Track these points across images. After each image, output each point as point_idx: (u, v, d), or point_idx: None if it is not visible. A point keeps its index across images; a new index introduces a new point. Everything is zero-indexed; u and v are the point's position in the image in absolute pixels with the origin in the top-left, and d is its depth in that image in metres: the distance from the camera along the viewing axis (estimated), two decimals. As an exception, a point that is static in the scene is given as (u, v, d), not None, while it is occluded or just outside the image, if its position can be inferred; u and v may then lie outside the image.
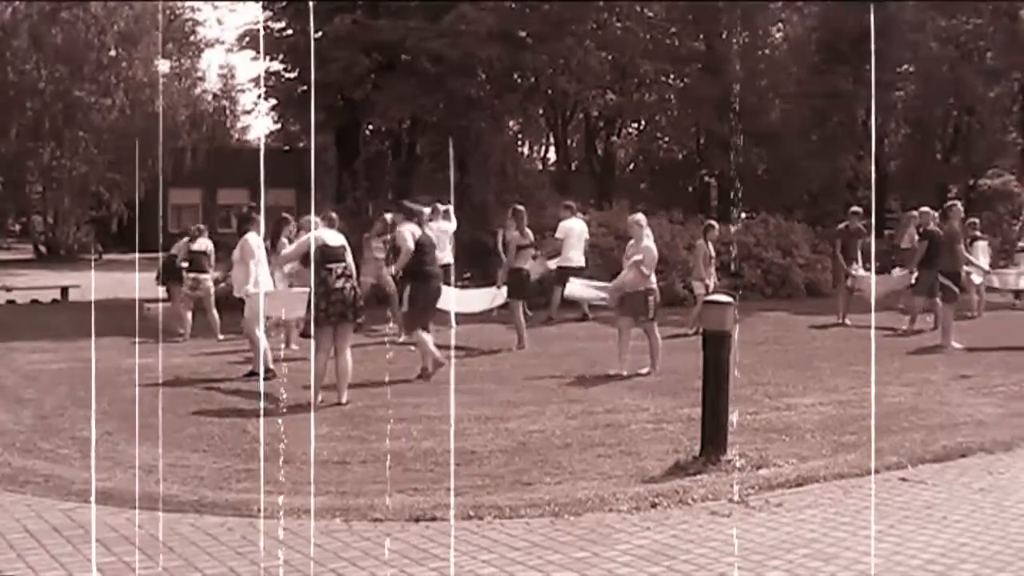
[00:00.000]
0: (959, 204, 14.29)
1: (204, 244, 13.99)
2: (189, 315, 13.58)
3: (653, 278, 10.63)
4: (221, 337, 13.36)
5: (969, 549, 4.92)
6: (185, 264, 13.91)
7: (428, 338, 10.29)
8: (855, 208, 16.70)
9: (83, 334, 12.21)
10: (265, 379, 9.97)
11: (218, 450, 7.21)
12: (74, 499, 5.88)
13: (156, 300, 14.87)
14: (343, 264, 9.13)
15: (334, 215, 12.24)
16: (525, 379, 10.17)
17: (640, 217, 11.07)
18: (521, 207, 13.25)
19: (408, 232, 10.49)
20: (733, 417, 6.98)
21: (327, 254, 9.02)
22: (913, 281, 14.44)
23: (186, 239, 14.24)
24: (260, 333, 10.28)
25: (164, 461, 6.88)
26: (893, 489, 6.03)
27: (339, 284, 8.98)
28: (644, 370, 10.48)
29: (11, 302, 19.36)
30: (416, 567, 4.75)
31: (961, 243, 13.47)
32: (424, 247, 10.52)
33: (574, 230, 15.06)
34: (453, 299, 14.03)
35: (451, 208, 14.53)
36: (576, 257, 14.86)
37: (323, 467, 6.71)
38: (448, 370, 10.90)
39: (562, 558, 4.85)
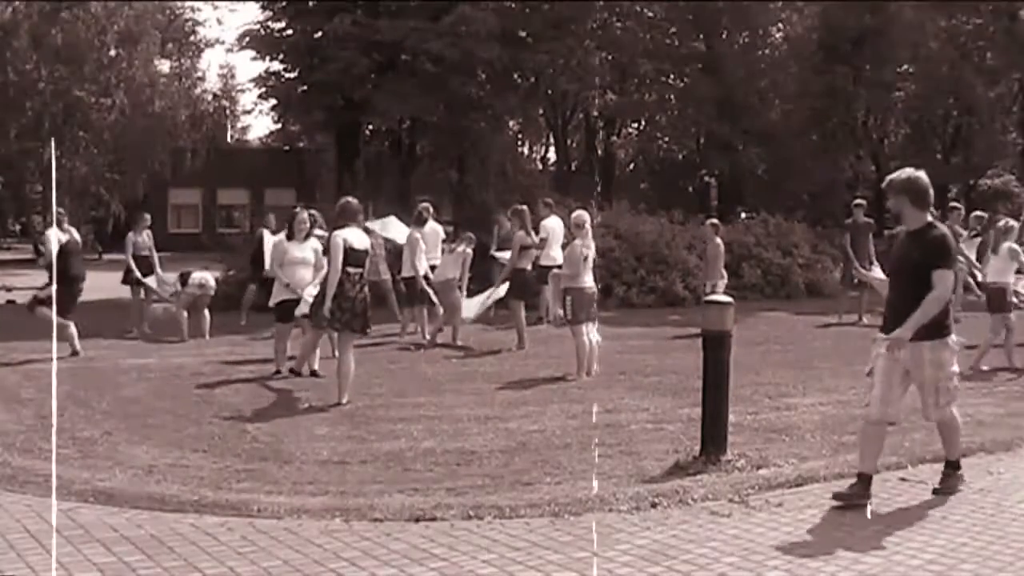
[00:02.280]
0: (961, 208, 14.29)
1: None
2: (185, 315, 13.62)
3: (585, 278, 10.34)
4: (209, 337, 13.41)
5: (969, 549, 4.91)
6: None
7: (74, 330, 11.76)
8: (858, 200, 16.63)
9: (83, 334, 12.21)
10: (283, 377, 10.23)
11: (218, 450, 7.21)
12: (74, 499, 5.88)
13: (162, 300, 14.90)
14: (361, 270, 9.01)
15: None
16: (525, 379, 10.17)
17: (582, 215, 10.71)
18: (523, 207, 13.17)
19: (54, 235, 11.86)
20: (733, 417, 6.99)
21: (350, 257, 8.87)
22: None
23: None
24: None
25: (164, 461, 6.88)
26: (893, 489, 6.03)
27: (352, 292, 8.86)
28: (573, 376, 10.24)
29: (11, 302, 19.35)
30: (416, 567, 4.75)
31: (957, 244, 13.49)
32: (70, 251, 12.02)
33: (556, 229, 14.73)
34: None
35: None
36: (559, 256, 14.59)
37: (323, 467, 6.72)
38: (451, 370, 10.93)
39: (562, 558, 4.84)
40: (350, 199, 9.48)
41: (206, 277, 13.91)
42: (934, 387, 5.69)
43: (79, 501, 5.84)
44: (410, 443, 7.34)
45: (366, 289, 9.06)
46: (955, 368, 5.79)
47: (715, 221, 15.52)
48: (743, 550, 4.93)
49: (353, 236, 8.95)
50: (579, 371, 10.20)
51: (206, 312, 13.74)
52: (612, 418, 8.18)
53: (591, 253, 10.47)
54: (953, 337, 5.74)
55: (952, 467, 6.00)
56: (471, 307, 13.43)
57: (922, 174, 5.80)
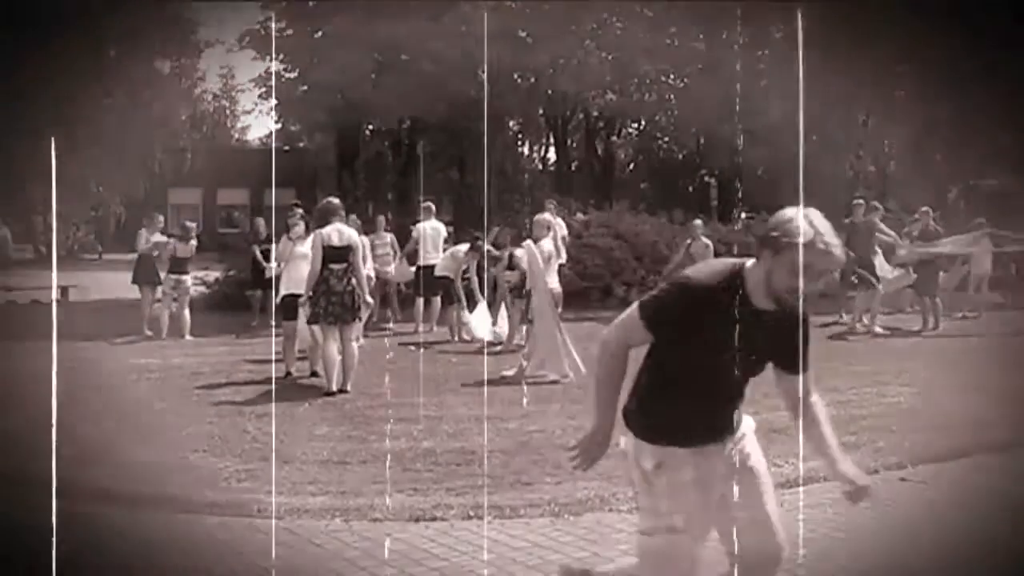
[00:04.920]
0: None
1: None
2: (167, 316, 13.65)
3: (547, 279, 10.67)
4: (189, 337, 13.40)
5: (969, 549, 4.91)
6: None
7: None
8: (857, 200, 16.65)
9: (83, 334, 12.22)
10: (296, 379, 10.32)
11: (218, 450, 7.21)
12: (74, 499, 5.86)
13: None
14: (344, 264, 9.22)
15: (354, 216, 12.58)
16: (525, 379, 10.16)
17: (544, 217, 11.46)
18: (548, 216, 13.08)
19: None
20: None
21: (329, 255, 9.20)
22: (912, 282, 14.59)
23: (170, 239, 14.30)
24: None
25: (164, 461, 6.88)
26: (893, 489, 6.03)
27: (339, 287, 9.17)
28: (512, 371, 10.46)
29: (11, 302, 19.34)
30: (416, 567, 4.75)
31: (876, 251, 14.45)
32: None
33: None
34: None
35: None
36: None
37: (323, 467, 6.72)
38: (451, 370, 10.93)
39: (562, 558, 4.84)
40: (330, 199, 9.88)
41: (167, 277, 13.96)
42: None
43: (79, 501, 5.83)
44: (410, 443, 7.34)
45: (353, 281, 9.31)
46: None
47: (698, 222, 15.59)
48: (743, 550, 4.92)
49: (333, 234, 9.25)
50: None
51: (186, 313, 13.78)
52: (612, 418, 8.16)
53: (555, 255, 11.10)
54: None
55: None
56: (480, 324, 13.24)
57: None
